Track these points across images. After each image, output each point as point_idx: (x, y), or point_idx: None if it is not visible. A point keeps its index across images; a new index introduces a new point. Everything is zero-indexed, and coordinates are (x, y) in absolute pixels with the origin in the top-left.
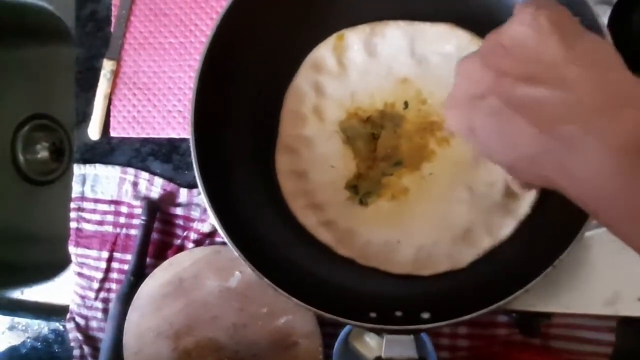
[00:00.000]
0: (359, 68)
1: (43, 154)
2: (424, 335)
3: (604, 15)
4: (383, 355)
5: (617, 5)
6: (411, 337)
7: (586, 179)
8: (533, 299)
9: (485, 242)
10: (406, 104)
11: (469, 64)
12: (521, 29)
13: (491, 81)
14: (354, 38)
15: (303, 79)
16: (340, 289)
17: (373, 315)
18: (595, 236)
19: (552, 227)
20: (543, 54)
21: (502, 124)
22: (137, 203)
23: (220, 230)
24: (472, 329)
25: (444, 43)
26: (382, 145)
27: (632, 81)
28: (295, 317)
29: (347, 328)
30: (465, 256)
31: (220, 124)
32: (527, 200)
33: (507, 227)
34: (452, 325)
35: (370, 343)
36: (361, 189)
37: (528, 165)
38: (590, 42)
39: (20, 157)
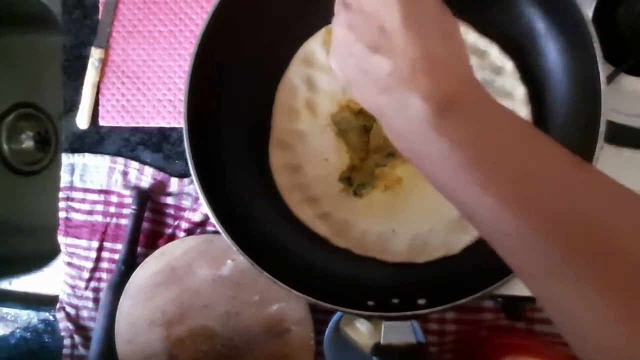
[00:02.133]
0: None
1: (28, 143)
2: (412, 321)
3: (588, 8)
4: (382, 342)
5: None
6: (409, 323)
7: (403, 133)
8: (519, 284)
9: None
10: None
11: (342, 23)
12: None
13: (352, 44)
14: None
15: (294, 73)
16: (336, 277)
17: (371, 303)
18: None
19: None
20: (386, 21)
21: (359, 79)
22: (127, 192)
23: (212, 218)
24: (460, 314)
25: None
26: (375, 137)
27: (447, 45)
28: (287, 304)
29: (338, 314)
30: (459, 242)
31: (213, 114)
32: None
33: None
34: (444, 310)
35: (361, 328)
36: (355, 180)
37: (374, 111)
38: (426, 5)
39: (5, 147)
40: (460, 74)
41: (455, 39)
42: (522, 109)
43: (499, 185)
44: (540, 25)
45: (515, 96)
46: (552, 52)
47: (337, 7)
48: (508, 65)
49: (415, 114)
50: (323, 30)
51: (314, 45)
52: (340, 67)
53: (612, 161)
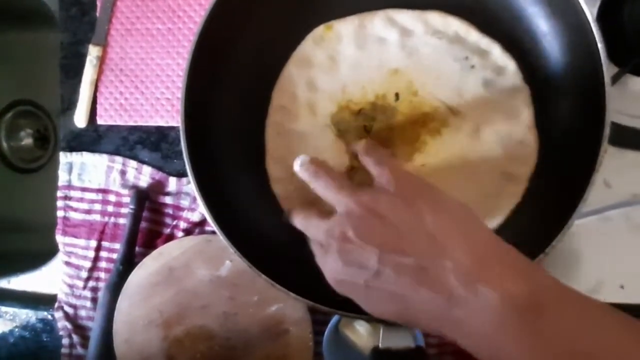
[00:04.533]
0: (349, 60)
1: (27, 141)
2: None
3: (592, 8)
4: (380, 346)
5: None
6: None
7: (476, 333)
8: None
9: None
10: (397, 96)
11: (346, 248)
12: (387, 198)
13: (379, 258)
14: (343, 30)
15: (292, 72)
16: None
17: None
18: (580, 225)
19: (543, 214)
20: (414, 224)
21: (400, 291)
22: (126, 192)
23: (209, 219)
24: None
25: (435, 32)
26: (374, 138)
27: (495, 239)
28: (285, 305)
29: (337, 316)
30: None
31: (211, 113)
32: (518, 189)
33: (499, 216)
34: None
35: (360, 330)
36: (354, 181)
37: (424, 323)
38: (451, 205)
39: (4, 144)
40: (525, 266)
41: (487, 230)
42: (524, 109)
43: None
44: (543, 24)
45: (517, 97)
46: (555, 52)
47: (328, 245)
48: (510, 65)
49: (494, 315)
50: (322, 27)
51: (311, 44)
52: (359, 295)
53: (615, 163)
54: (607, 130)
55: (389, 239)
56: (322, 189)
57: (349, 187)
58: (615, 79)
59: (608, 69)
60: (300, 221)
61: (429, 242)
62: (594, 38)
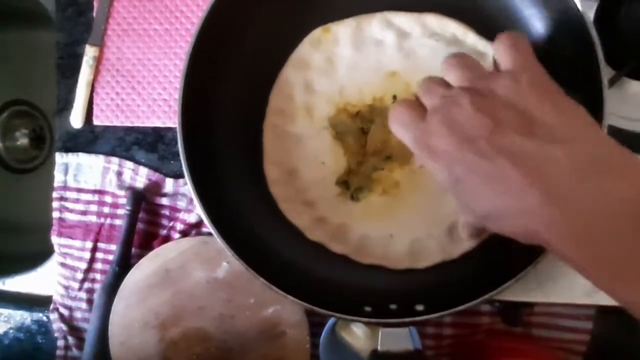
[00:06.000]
0: (347, 62)
1: (23, 141)
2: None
3: (589, 11)
4: (379, 349)
5: (604, 0)
6: (406, 329)
7: (581, 239)
8: (517, 289)
9: None
10: (395, 98)
11: (462, 96)
12: (511, 84)
13: (486, 126)
14: (340, 32)
15: (290, 74)
16: (333, 283)
17: (368, 309)
18: None
19: None
20: (536, 111)
21: (494, 172)
22: (122, 193)
23: (206, 221)
24: (457, 318)
25: (432, 34)
26: (372, 140)
27: (616, 146)
28: (282, 307)
29: (334, 318)
30: (458, 247)
31: (208, 114)
32: None
33: None
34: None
35: (358, 332)
36: (352, 184)
37: (514, 218)
38: (574, 107)
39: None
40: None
41: (606, 136)
42: None
43: None
44: (540, 27)
45: None
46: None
47: (450, 92)
48: None
49: (604, 214)
50: (319, 29)
51: (309, 46)
52: (449, 156)
53: None
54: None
55: (504, 118)
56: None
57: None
58: (612, 82)
59: (605, 72)
60: (425, 81)
61: (546, 131)
62: (592, 41)
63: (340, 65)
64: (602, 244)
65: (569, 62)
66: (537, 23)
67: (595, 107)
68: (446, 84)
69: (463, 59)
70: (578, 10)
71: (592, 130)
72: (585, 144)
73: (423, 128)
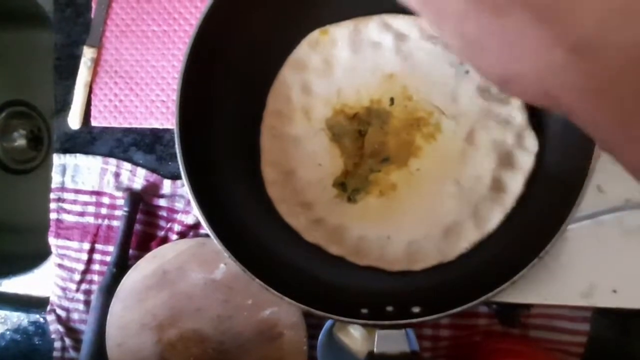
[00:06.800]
0: (344, 64)
1: (20, 142)
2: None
3: None
4: (375, 351)
5: None
6: (403, 331)
7: (609, 97)
8: (514, 291)
9: (473, 235)
10: (392, 100)
11: None
12: None
13: None
14: (338, 34)
15: (288, 76)
16: (330, 285)
17: (364, 311)
18: (573, 230)
19: (538, 219)
20: None
21: (511, 30)
22: (119, 194)
23: (203, 222)
24: (454, 319)
25: (430, 37)
26: (369, 142)
27: None
28: (280, 309)
29: (331, 320)
30: (454, 249)
31: (206, 116)
32: (513, 193)
33: (494, 220)
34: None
35: (355, 334)
36: (349, 186)
37: (535, 84)
38: None
39: None
40: None
41: None
42: (518, 115)
43: None
44: None
45: (511, 102)
46: None
47: None
48: None
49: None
50: (317, 31)
51: (307, 48)
52: (456, 14)
53: (609, 168)
54: None
55: None
56: None
57: None
58: None
59: None
60: None
61: None
62: None
63: (338, 67)
64: (629, 100)
65: None
66: None
67: None
68: None
69: None
70: None
71: None
72: None
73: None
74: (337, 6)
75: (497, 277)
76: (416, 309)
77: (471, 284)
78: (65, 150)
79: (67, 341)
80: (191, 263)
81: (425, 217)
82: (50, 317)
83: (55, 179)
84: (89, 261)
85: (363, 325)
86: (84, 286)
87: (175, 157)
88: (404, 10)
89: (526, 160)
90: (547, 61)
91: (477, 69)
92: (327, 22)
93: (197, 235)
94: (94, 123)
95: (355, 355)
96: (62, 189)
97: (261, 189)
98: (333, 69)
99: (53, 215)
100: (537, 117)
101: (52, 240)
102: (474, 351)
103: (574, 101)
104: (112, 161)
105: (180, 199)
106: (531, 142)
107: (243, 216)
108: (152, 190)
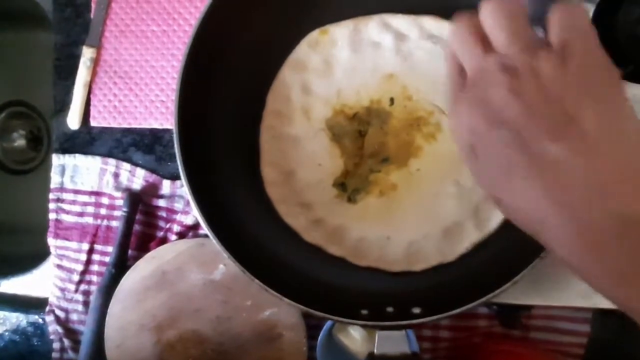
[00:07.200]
0: (344, 65)
1: (20, 142)
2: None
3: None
4: (376, 352)
5: (601, 4)
6: (403, 332)
7: (585, 252)
8: (515, 292)
9: (473, 235)
10: (392, 100)
11: (499, 76)
12: (556, 68)
13: (516, 115)
14: (338, 34)
15: (287, 76)
16: (330, 286)
17: (364, 312)
18: None
19: None
20: (572, 108)
21: (510, 165)
22: (119, 194)
23: (202, 223)
24: (454, 320)
25: (430, 36)
26: (369, 142)
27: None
28: (279, 310)
29: (331, 321)
30: (455, 250)
31: (205, 116)
32: None
33: (494, 220)
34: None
35: (354, 335)
36: (349, 186)
37: (520, 214)
38: (619, 107)
39: None
40: None
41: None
42: None
43: None
44: (537, 30)
45: None
46: None
47: (488, 64)
48: None
49: (630, 228)
50: (317, 31)
51: (306, 48)
52: (475, 131)
53: None
54: None
55: (537, 110)
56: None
57: (528, 42)
58: None
59: None
60: (462, 35)
61: (576, 135)
62: None
63: (337, 67)
64: (607, 258)
65: None
66: (535, 28)
67: None
68: (484, 42)
69: (512, 21)
70: None
71: (627, 141)
72: (614, 159)
73: (460, 96)
74: (337, 6)
75: (498, 278)
76: (416, 310)
77: (472, 284)
78: (65, 150)
79: (66, 342)
80: (190, 264)
81: (425, 218)
82: (49, 318)
83: (54, 179)
84: (88, 262)
85: (363, 326)
86: (82, 287)
87: (175, 157)
88: (404, 10)
89: None
90: (536, 209)
91: (472, 174)
92: (326, 22)
93: (196, 235)
94: (93, 123)
95: (355, 356)
96: (61, 189)
97: (261, 189)
98: (333, 69)
99: (52, 216)
100: None
101: (51, 241)
102: (474, 352)
103: (556, 247)
104: (112, 161)
105: (179, 200)
106: None
107: (242, 217)
108: (151, 190)
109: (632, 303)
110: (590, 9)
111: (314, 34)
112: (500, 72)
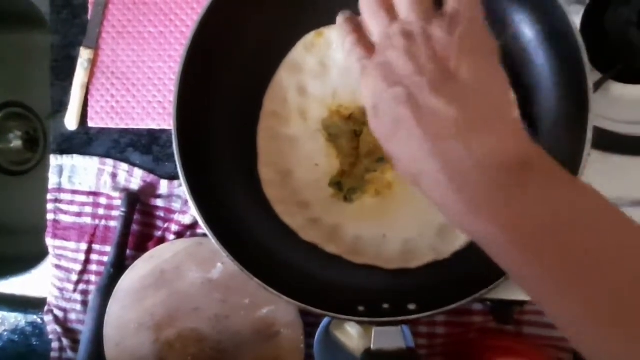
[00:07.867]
0: (339, 66)
1: (16, 143)
2: (403, 327)
3: (576, 15)
4: (372, 348)
5: (590, 5)
6: (399, 328)
7: (451, 186)
8: (508, 288)
9: None
10: None
11: (399, 40)
12: (444, 35)
13: (409, 74)
14: (333, 36)
15: (284, 77)
16: (327, 283)
17: (361, 308)
18: None
19: None
20: (453, 68)
21: (399, 118)
22: (117, 194)
23: (200, 222)
24: (449, 317)
25: None
26: (365, 142)
27: (509, 102)
28: (277, 308)
29: (328, 318)
30: (449, 247)
31: (203, 116)
32: None
33: None
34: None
35: (351, 332)
36: (345, 185)
37: (408, 163)
38: (492, 71)
39: None
40: (523, 132)
41: (509, 92)
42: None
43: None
44: (528, 31)
45: None
46: (540, 59)
47: (392, 30)
48: None
49: (485, 164)
50: (312, 33)
51: (302, 50)
52: (377, 93)
53: (599, 167)
54: (590, 135)
55: (425, 68)
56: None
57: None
58: (598, 85)
59: (591, 75)
60: (371, 4)
61: (453, 89)
62: (578, 46)
63: (333, 69)
64: (466, 188)
65: (556, 66)
66: (526, 28)
67: (581, 110)
68: (390, 11)
69: None
70: (565, 15)
71: (495, 91)
72: (481, 105)
73: (366, 64)
74: (332, 9)
75: (491, 274)
76: (412, 306)
77: (466, 281)
78: (62, 151)
79: (65, 341)
80: (188, 263)
81: (420, 216)
82: (48, 318)
83: (52, 179)
84: (87, 261)
85: (359, 322)
86: (81, 286)
87: (172, 157)
88: None
89: None
90: (418, 152)
91: (377, 137)
92: (322, 25)
93: (194, 235)
94: (90, 124)
95: (351, 352)
96: (59, 189)
97: (258, 189)
98: (328, 70)
99: (50, 216)
100: (529, 114)
101: (50, 241)
102: (469, 348)
103: (428, 186)
104: (109, 162)
105: (177, 199)
106: None
107: (240, 216)
108: (149, 190)
109: (479, 229)
110: (580, 10)
111: (310, 36)
112: (400, 36)
